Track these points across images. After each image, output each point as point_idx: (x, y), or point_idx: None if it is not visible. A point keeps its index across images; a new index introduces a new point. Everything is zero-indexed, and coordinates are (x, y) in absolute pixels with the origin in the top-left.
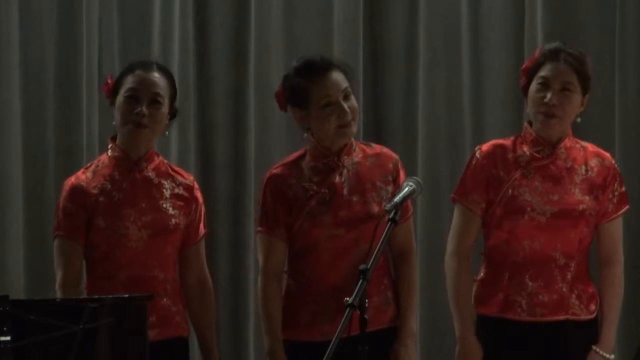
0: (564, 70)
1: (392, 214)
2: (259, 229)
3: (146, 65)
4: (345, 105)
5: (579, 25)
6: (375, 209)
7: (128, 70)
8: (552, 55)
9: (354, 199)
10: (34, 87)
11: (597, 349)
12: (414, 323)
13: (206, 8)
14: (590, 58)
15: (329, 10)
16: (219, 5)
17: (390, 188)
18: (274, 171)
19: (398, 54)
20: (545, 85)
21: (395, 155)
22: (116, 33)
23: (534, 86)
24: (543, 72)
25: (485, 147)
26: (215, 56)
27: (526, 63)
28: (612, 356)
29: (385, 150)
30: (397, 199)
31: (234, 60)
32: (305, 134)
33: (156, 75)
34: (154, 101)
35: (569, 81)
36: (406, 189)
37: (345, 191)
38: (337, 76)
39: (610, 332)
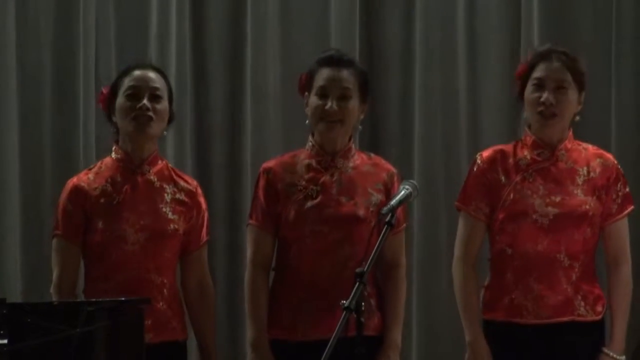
0: (557, 69)
1: (388, 217)
2: (250, 221)
3: (142, 65)
4: (334, 102)
5: (575, 27)
6: (361, 212)
7: (124, 72)
8: (544, 56)
9: (342, 199)
10: (30, 89)
11: (608, 351)
12: (399, 336)
13: (202, 11)
14: (583, 57)
15: (325, 13)
16: (215, 8)
17: (380, 196)
18: (267, 165)
19: (394, 57)
20: (540, 85)
21: (392, 168)
22: (113, 36)
23: (529, 88)
24: (537, 73)
25: (485, 153)
26: (211, 59)
27: (519, 69)
28: (623, 357)
29: (383, 162)
30: (393, 202)
31: (230, 63)
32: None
33: (153, 74)
34: (155, 96)
35: (563, 79)
36: (402, 192)
37: (334, 190)
38: (344, 74)
39: (621, 333)
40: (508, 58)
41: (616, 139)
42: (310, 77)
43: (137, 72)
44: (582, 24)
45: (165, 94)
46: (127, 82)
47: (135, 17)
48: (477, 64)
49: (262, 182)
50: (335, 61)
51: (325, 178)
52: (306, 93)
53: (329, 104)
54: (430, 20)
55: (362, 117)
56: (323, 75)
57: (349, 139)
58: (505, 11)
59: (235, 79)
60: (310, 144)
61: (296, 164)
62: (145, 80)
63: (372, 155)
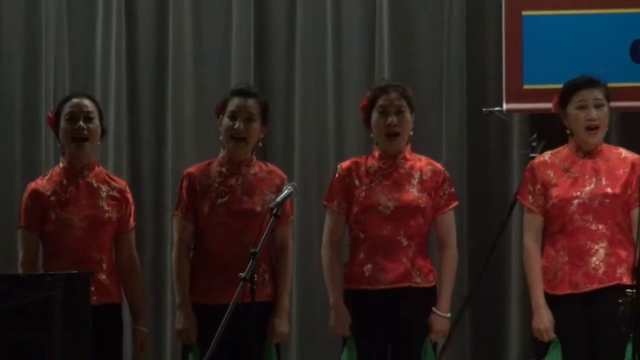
0: (395, 98)
1: (274, 210)
2: (175, 212)
3: (77, 95)
4: (242, 123)
5: (416, 67)
6: (258, 208)
7: (63, 101)
8: (383, 90)
9: (244, 198)
10: (4, 113)
11: (436, 310)
12: (287, 301)
13: (136, 52)
14: (410, 88)
15: (227, 55)
16: (145, 50)
17: (274, 196)
18: (189, 170)
19: (279, 89)
20: (384, 112)
21: (284, 175)
22: (67, 74)
23: (375, 115)
24: (380, 102)
25: (344, 164)
26: (142, 89)
27: (362, 102)
28: (449, 314)
29: (277, 169)
30: (278, 199)
31: (156, 93)
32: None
33: (86, 100)
34: (88, 118)
35: (401, 104)
36: (285, 191)
37: (238, 191)
38: (249, 102)
39: (446, 297)
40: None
41: (446, 154)
42: (224, 103)
43: (74, 100)
44: (422, 68)
45: (96, 115)
46: (66, 108)
47: (84, 60)
48: (342, 96)
49: (185, 183)
50: (244, 92)
51: (232, 182)
52: (220, 116)
53: (237, 124)
54: (307, 62)
55: (262, 136)
56: (234, 102)
57: (251, 152)
58: (364, 55)
59: (159, 106)
60: (221, 155)
61: (210, 170)
62: (80, 106)
63: (269, 164)
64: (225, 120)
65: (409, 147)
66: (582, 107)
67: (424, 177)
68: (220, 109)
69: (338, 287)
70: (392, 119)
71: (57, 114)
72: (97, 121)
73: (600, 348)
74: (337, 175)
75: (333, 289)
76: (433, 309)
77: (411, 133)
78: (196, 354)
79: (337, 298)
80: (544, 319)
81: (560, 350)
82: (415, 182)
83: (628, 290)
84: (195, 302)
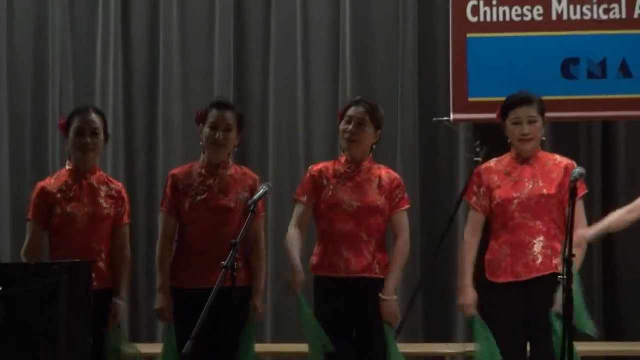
0: (360, 111)
1: (252, 207)
2: (161, 208)
3: (86, 110)
4: (221, 133)
5: (375, 82)
6: (233, 205)
7: (74, 113)
8: (354, 103)
9: (220, 196)
10: (17, 124)
11: (382, 295)
12: (262, 285)
13: (131, 69)
14: (381, 106)
15: (211, 69)
16: (139, 67)
17: (247, 194)
18: (173, 172)
19: (256, 101)
20: (348, 122)
21: (256, 176)
22: (71, 90)
23: (342, 123)
24: (348, 113)
25: (316, 166)
26: (136, 102)
27: (339, 111)
28: (395, 297)
29: (250, 171)
30: (255, 197)
31: (149, 104)
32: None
33: (93, 116)
34: (94, 133)
35: (363, 118)
36: (261, 190)
37: (215, 190)
38: (227, 114)
39: (392, 282)
40: (330, 104)
41: (400, 162)
42: (204, 114)
43: (82, 115)
44: (380, 84)
45: (101, 129)
46: (75, 122)
47: (85, 77)
48: (310, 108)
49: (170, 183)
50: (223, 105)
51: (210, 182)
52: (201, 124)
53: (218, 134)
54: (280, 78)
55: (237, 142)
56: (214, 114)
57: (228, 156)
58: (329, 73)
59: (151, 115)
60: (202, 158)
61: (192, 171)
62: (87, 122)
63: (243, 167)
64: (207, 130)
65: (371, 156)
66: (516, 124)
67: (383, 183)
68: (201, 119)
69: (296, 253)
70: (352, 128)
71: (68, 123)
72: (101, 135)
73: (536, 327)
74: (309, 175)
75: (292, 252)
76: (380, 294)
77: (374, 147)
78: (172, 331)
79: (296, 259)
80: (468, 297)
81: (482, 325)
82: (375, 186)
83: (559, 276)
84: (177, 287)
